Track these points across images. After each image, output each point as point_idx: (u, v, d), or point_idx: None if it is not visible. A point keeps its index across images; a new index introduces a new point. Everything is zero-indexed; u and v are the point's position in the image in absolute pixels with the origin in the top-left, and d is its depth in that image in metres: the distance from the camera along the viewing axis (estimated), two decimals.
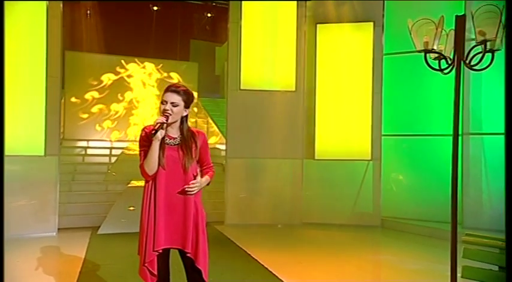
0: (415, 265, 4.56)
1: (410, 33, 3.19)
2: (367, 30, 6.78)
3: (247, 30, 6.63)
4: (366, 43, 6.78)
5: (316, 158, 6.74)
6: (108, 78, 9.44)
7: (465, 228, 6.09)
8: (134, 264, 4.18)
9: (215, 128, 9.76)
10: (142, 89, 9.72)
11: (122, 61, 9.65)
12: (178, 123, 2.21)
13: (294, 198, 6.72)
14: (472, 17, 2.94)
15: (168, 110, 2.17)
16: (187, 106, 2.24)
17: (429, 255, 5.06)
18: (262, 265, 4.24)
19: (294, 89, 6.64)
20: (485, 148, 6.24)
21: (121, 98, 9.53)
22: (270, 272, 4.02)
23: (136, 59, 9.79)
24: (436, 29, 3.06)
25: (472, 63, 3.12)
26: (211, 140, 9.87)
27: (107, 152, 8.91)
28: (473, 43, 3.09)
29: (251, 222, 6.52)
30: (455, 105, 3.17)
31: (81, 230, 5.92)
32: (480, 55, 3.07)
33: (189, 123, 2.34)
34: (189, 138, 2.24)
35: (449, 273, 4.32)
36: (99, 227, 5.86)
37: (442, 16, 3.12)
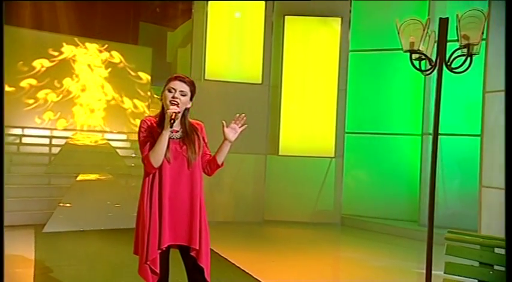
0: (381, 262, 4.83)
1: (398, 33, 3.35)
2: (334, 25, 6.99)
3: (213, 18, 6.55)
4: (333, 39, 7.00)
5: (280, 153, 6.86)
6: (45, 62, 8.81)
7: (421, 226, 6.55)
8: (93, 265, 4.03)
9: None
10: (89, 73, 9.22)
11: (63, 42, 9.06)
12: (180, 116, 2.18)
13: (256, 195, 6.79)
14: (459, 21, 3.15)
15: (176, 98, 2.14)
16: (191, 98, 2.23)
17: (392, 253, 5.38)
18: (234, 264, 4.26)
19: (260, 81, 6.69)
20: (442, 149, 6.72)
21: (59, 85, 8.94)
22: (243, 270, 4.05)
23: (79, 40, 9.24)
24: (423, 30, 3.24)
25: (453, 66, 3.35)
26: None
27: (46, 141, 8.35)
28: (453, 45, 3.32)
29: (211, 219, 6.43)
30: (435, 106, 3.40)
31: (22, 228, 5.54)
32: (460, 58, 3.32)
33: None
34: (191, 132, 2.23)
35: (415, 270, 4.66)
36: (44, 224, 5.52)
37: (429, 18, 3.31)
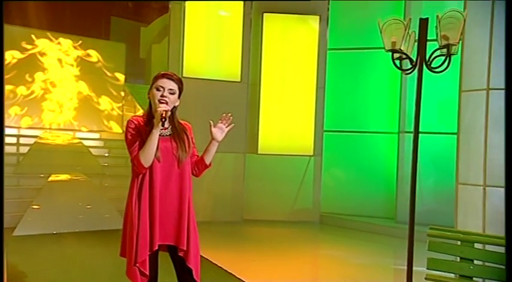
0: (361, 259, 4.94)
1: (381, 32, 3.41)
2: (313, 23, 7.07)
3: (190, 14, 6.49)
4: (312, 37, 7.07)
5: (259, 152, 6.88)
6: (12, 56, 8.49)
7: (398, 223, 6.73)
8: (69, 268, 3.93)
9: None
10: (59, 68, 8.94)
11: (32, 35, 8.75)
12: (169, 114, 2.16)
13: (235, 194, 6.79)
14: (439, 22, 3.24)
15: (165, 97, 2.12)
16: (179, 95, 2.22)
17: (371, 250, 5.51)
18: (215, 264, 4.25)
19: (239, 79, 6.69)
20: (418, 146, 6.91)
21: (30, 80, 8.64)
22: (226, 270, 4.05)
23: (51, 34, 8.95)
24: (405, 30, 3.32)
25: (432, 65, 3.45)
26: None
27: (13, 140, 8.06)
28: (432, 45, 3.43)
29: None
30: (416, 105, 3.48)
31: None
32: (439, 58, 3.42)
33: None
34: (181, 130, 2.22)
35: (395, 267, 4.78)
36: (14, 228, 5.33)
37: (410, 18, 3.39)
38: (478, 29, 4.37)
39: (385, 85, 7.18)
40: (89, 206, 6.00)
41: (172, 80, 2.17)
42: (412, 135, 6.98)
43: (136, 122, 2.16)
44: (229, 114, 2.32)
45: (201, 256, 4.48)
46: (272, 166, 6.97)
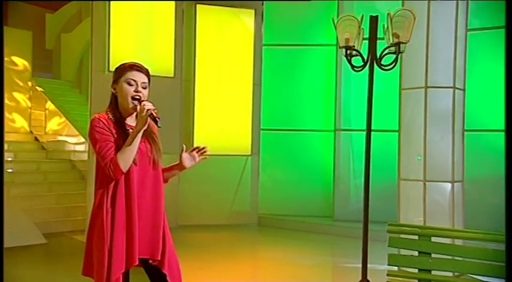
0: (306, 260, 5.08)
1: (336, 29, 3.53)
2: (247, 17, 7.10)
3: (116, 2, 6.14)
4: (247, 31, 7.10)
5: None
6: None
7: (336, 221, 7.05)
8: None
9: (59, 115, 8.70)
10: None
11: None
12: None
13: (169, 198, 6.52)
14: (390, 20, 3.44)
15: (140, 92, 2.01)
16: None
17: (312, 249, 5.71)
18: None
19: (172, 74, 6.49)
20: (353, 144, 7.30)
21: None
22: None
23: None
24: (358, 27, 3.48)
25: (382, 63, 3.66)
26: (53, 131, 8.76)
27: None
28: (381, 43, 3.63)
29: None
30: (368, 102, 3.66)
31: None
32: (388, 55, 3.64)
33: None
34: (150, 130, 2.10)
35: (342, 265, 4.99)
36: None
37: (363, 15, 3.56)
38: (416, 29, 4.72)
39: (321, 83, 7.46)
40: None
41: (143, 72, 2.05)
42: (347, 133, 7.40)
43: (104, 121, 2.00)
44: (207, 148, 2.25)
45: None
46: (208, 167, 6.83)
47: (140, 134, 1.97)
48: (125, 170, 1.95)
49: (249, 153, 7.05)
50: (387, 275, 3.03)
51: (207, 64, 6.87)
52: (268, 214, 7.27)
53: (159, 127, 2.01)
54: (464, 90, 4.76)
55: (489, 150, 6.36)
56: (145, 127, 1.96)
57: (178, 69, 6.58)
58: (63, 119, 8.59)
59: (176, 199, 6.65)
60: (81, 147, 8.10)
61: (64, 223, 6.08)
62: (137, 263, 1.99)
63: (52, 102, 8.62)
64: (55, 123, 8.89)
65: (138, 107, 1.97)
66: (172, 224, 6.51)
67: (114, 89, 2.05)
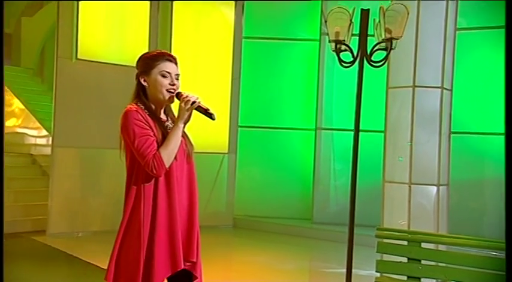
0: (284, 264, 5.02)
1: (326, 22, 3.47)
2: (228, 9, 6.98)
3: None
4: (227, 23, 6.98)
5: None
6: None
7: (314, 223, 7.03)
8: None
9: (18, 106, 8.32)
10: None
11: None
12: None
13: None
14: (383, 14, 3.40)
15: (175, 85, 1.99)
16: None
17: (291, 253, 5.67)
18: None
19: None
20: (334, 144, 7.29)
21: None
22: None
23: None
24: (350, 20, 3.42)
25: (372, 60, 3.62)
26: (11, 123, 8.37)
27: None
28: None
29: (85, 229, 5.90)
30: (357, 101, 3.60)
31: None
32: (378, 52, 3.60)
33: None
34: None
35: (322, 270, 4.96)
36: None
37: (354, 8, 3.50)
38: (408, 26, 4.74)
39: (302, 79, 7.42)
40: None
41: (176, 63, 2.02)
42: (329, 132, 7.37)
43: (141, 113, 1.93)
44: None
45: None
46: None
47: (181, 128, 1.95)
48: (168, 165, 1.90)
49: (226, 151, 6.93)
50: None
51: (184, 56, 6.67)
52: (244, 215, 7.17)
53: (213, 120, 1.97)
54: (451, 90, 4.80)
55: (470, 154, 6.47)
56: (189, 120, 1.95)
57: None
58: (23, 109, 8.25)
59: None
60: (43, 141, 7.78)
61: (23, 223, 5.81)
62: (183, 266, 1.93)
63: (10, 91, 8.24)
64: (13, 114, 8.52)
65: (177, 100, 1.98)
66: None
67: (144, 80, 1.99)
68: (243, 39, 7.20)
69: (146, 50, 6.21)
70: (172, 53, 7.00)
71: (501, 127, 6.20)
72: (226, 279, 4.25)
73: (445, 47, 4.60)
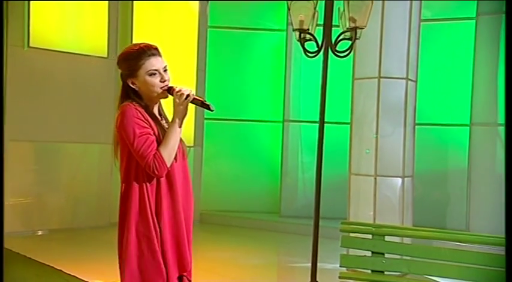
0: (252, 259, 4.97)
1: (289, 10, 3.38)
2: None
3: None
4: (191, 11, 6.81)
5: None
6: None
7: (282, 217, 7.00)
8: None
9: None
10: None
11: None
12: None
13: (100, 194, 6.19)
14: (347, 4, 3.34)
15: (166, 80, 1.90)
16: None
17: (259, 248, 5.62)
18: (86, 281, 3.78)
19: (105, 54, 6.06)
20: (302, 136, 7.26)
21: None
22: None
23: None
24: (314, 9, 3.34)
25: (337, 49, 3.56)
26: None
27: None
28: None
29: (42, 227, 5.67)
30: (322, 92, 3.54)
31: None
32: (343, 42, 3.55)
33: None
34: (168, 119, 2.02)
35: (292, 265, 4.92)
36: None
37: None
38: (370, 17, 4.71)
39: (269, 70, 7.34)
40: None
41: (160, 54, 1.91)
42: (296, 124, 7.33)
43: (140, 111, 1.84)
44: None
45: (66, 273, 3.96)
46: None
47: (181, 125, 1.87)
48: (169, 164, 1.84)
49: (192, 145, 6.79)
50: (339, 277, 2.95)
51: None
52: (210, 210, 7.06)
53: (211, 111, 1.88)
54: (416, 82, 4.81)
55: (434, 145, 6.56)
56: (186, 114, 1.86)
57: (112, 49, 6.15)
58: None
59: (108, 194, 6.26)
60: None
61: None
62: (191, 268, 1.95)
63: None
64: None
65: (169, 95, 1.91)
66: (103, 222, 6.19)
67: (132, 83, 1.88)
68: (208, 29, 7.05)
69: (105, 39, 6.08)
70: (134, 38, 6.66)
71: (465, 118, 6.35)
72: (196, 276, 4.13)
73: (409, 38, 4.59)
